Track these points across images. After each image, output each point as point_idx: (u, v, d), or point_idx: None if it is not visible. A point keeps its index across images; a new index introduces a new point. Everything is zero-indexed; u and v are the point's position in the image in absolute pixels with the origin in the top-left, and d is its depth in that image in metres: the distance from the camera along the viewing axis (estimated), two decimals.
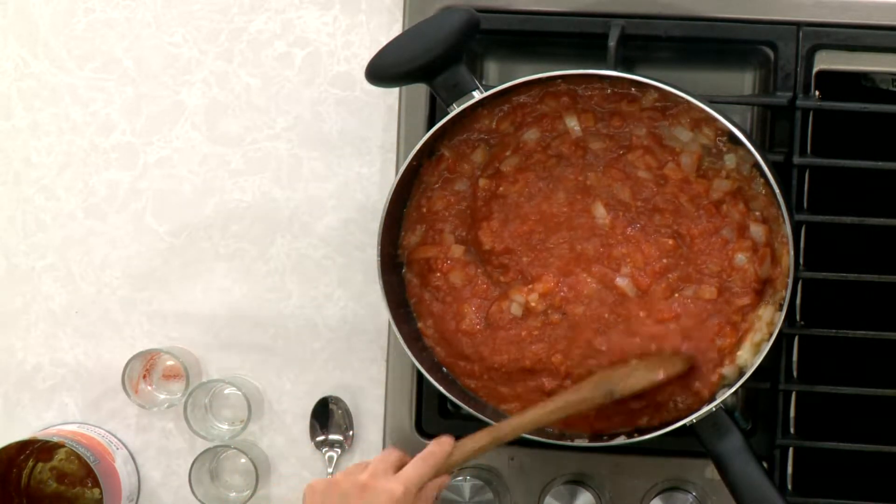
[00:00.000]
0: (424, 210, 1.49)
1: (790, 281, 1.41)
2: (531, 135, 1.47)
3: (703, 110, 1.41)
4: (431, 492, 1.36)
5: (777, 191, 1.40)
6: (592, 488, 1.53)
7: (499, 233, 1.47)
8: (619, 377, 1.43)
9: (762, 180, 1.43)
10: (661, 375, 1.43)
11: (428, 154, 1.48)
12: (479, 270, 1.49)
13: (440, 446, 1.37)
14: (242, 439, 1.63)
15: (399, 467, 1.35)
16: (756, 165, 1.42)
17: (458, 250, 1.49)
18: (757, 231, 1.44)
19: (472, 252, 1.49)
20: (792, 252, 1.41)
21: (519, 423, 1.41)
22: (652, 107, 1.45)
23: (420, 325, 1.50)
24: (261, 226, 1.64)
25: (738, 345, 1.45)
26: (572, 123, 1.46)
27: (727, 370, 1.45)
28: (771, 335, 1.42)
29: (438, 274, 1.49)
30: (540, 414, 1.42)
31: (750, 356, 1.44)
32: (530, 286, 1.47)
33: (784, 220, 1.41)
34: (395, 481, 1.32)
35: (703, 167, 1.45)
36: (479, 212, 1.48)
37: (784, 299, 1.41)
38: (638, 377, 1.43)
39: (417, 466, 1.34)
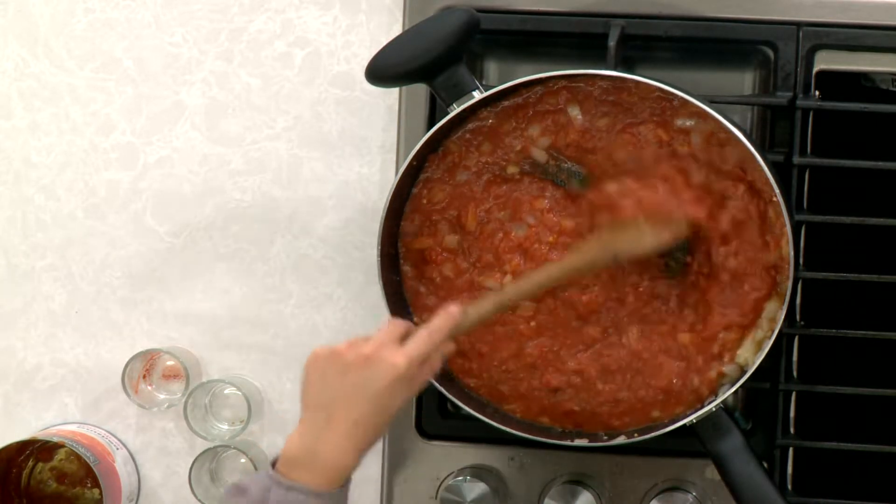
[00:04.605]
0: (424, 201, 1.49)
1: (791, 273, 1.41)
2: (533, 130, 1.47)
3: (702, 110, 1.41)
4: (437, 361, 1.35)
5: (777, 191, 1.40)
6: (592, 488, 1.53)
7: (487, 215, 1.48)
8: (625, 241, 1.43)
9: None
10: (665, 237, 1.42)
11: (432, 150, 1.48)
12: (469, 262, 1.49)
13: (447, 320, 1.35)
14: (242, 439, 1.63)
15: (404, 338, 1.33)
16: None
17: (451, 241, 1.49)
18: (770, 211, 1.44)
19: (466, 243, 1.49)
20: (792, 252, 1.41)
21: (524, 286, 1.42)
22: (653, 97, 1.45)
23: (416, 319, 1.50)
24: (261, 226, 1.64)
25: (739, 342, 1.45)
26: (574, 112, 1.46)
27: (728, 368, 1.45)
28: (773, 332, 1.42)
29: (433, 265, 1.49)
30: (545, 276, 1.42)
31: (751, 354, 1.45)
32: (503, 269, 1.48)
33: (784, 220, 1.41)
34: (400, 355, 1.31)
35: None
36: (472, 197, 1.48)
37: (786, 291, 1.41)
38: (643, 241, 1.42)
39: (422, 341, 1.33)
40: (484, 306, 1.39)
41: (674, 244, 1.44)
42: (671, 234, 1.43)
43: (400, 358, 1.30)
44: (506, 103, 1.47)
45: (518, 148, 1.47)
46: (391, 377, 1.30)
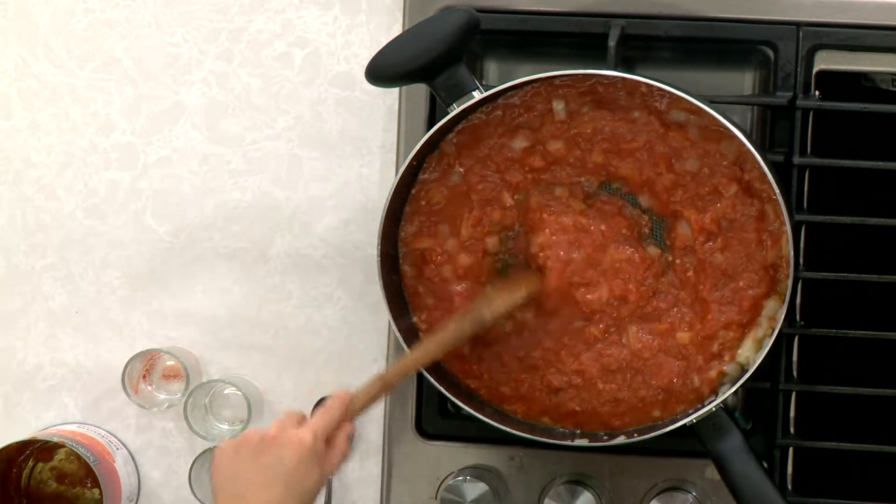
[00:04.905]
0: (423, 203, 1.49)
1: (791, 273, 1.41)
2: (519, 143, 1.47)
3: (701, 109, 1.41)
4: (342, 441, 1.37)
5: (777, 191, 1.40)
6: (592, 488, 1.53)
7: (480, 224, 1.48)
8: (481, 304, 1.46)
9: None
10: (521, 293, 1.45)
11: (431, 150, 1.48)
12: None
13: (338, 399, 1.38)
14: None
15: (302, 422, 1.36)
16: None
17: (452, 243, 1.49)
18: (768, 210, 1.44)
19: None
20: (792, 252, 1.41)
21: (402, 366, 1.44)
22: (652, 94, 1.45)
23: (415, 319, 1.50)
24: (261, 226, 1.64)
25: (739, 341, 1.45)
26: (559, 107, 1.46)
27: (729, 367, 1.45)
28: (773, 330, 1.42)
29: (433, 266, 1.49)
30: (418, 355, 1.44)
31: (752, 353, 1.45)
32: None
33: (784, 219, 1.41)
34: (304, 430, 1.34)
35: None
36: (467, 205, 1.48)
37: (787, 290, 1.41)
38: (500, 299, 1.45)
39: (320, 418, 1.36)
40: (372, 388, 1.41)
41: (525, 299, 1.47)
42: (520, 294, 1.46)
43: (304, 433, 1.34)
44: (501, 104, 1.47)
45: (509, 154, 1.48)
46: (299, 453, 1.32)
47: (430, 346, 1.44)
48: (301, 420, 1.36)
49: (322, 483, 1.35)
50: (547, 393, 1.48)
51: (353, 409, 1.39)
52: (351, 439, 1.40)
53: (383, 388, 1.41)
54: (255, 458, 1.33)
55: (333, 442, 1.36)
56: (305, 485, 1.33)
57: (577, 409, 1.48)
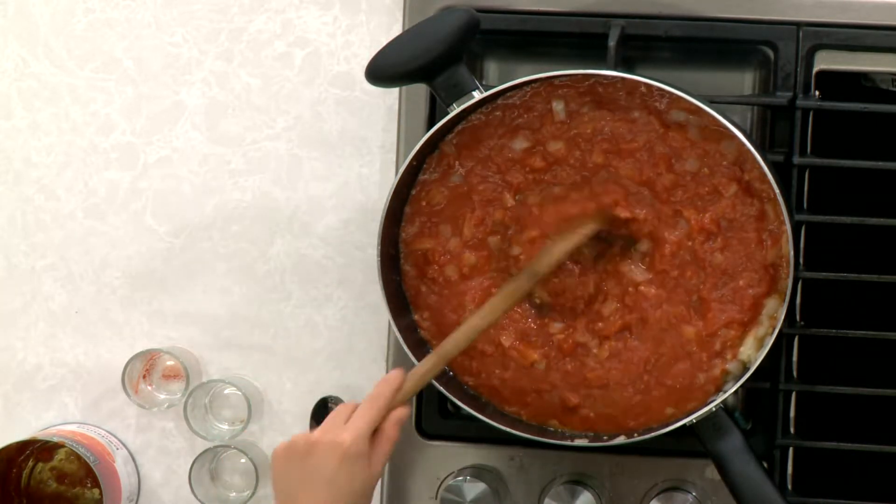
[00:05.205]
0: (423, 203, 1.49)
1: (791, 273, 1.41)
2: (520, 143, 1.47)
3: (701, 109, 1.41)
4: (392, 429, 1.36)
5: (777, 191, 1.40)
6: (592, 488, 1.53)
7: (482, 224, 1.48)
8: (535, 259, 1.43)
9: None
10: (575, 238, 1.43)
11: (429, 151, 1.48)
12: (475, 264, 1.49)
13: (387, 384, 1.37)
14: (242, 439, 1.63)
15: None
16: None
17: (454, 243, 1.49)
18: (768, 209, 1.44)
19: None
20: (792, 252, 1.41)
21: (460, 334, 1.41)
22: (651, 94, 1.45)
23: (416, 317, 1.50)
24: (261, 226, 1.64)
25: (741, 340, 1.45)
26: (559, 107, 1.46)
27: (731, 366, 1.45)
28: (774, 329, 1.42)
29: (435, 266, 1.49)
30: (477, 321, 1.42)
31: (753, 352, 1.44)
32: (510, 272, 1.47)
33: (784, 219, 1.41)
34: (344, 432, 1.33)
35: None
36: (468, 205, 1.48)
37: (787, 290, 1.41)
38: (555, 248, 1.43)
39: (364, 411, 1.34)
40: (424, 367, 1.40)
41: (591, 237, 1.44)
42: (582, 234, 1.43)
43: (343, 434, 1.32)
44: (500, 104, 1.47)
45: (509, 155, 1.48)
46: (339, 455, 1.32)
47: (487, 311, 1.42)
48: (350, 414, 1.34)
49: (374, 478, 1.34)
50: (564, 410, 1.48)
51: (405, 392, 1.38)
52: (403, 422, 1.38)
53: (438, 362, 1.40)
54: (302, 463, 1.33)
55: (381, 429, 1.35)
56: (353, 486, 1.32)
57: (592, 415, 1.48)
